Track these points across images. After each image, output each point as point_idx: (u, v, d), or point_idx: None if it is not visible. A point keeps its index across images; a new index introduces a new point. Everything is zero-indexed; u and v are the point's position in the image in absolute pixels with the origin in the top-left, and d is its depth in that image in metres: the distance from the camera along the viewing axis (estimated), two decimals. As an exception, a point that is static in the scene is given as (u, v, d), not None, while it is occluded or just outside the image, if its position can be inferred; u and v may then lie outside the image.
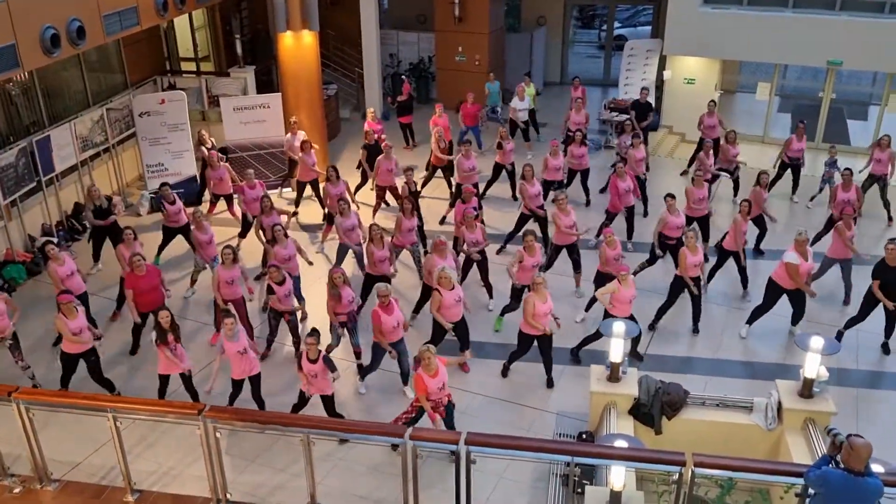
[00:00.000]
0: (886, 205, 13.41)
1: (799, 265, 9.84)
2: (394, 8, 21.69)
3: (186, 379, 8.79)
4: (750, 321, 10.47)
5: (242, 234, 12.60)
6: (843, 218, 10.77)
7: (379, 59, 18.42)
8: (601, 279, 10.20)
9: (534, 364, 9.60)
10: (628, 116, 15.54)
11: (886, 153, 12.98)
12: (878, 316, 10.13)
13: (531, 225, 12.01)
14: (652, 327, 10.49)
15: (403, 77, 18.02)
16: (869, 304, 9.98)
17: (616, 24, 23.05)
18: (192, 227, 11.12)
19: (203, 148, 13.71)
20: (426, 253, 11.51)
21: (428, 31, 19.78)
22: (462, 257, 10.99)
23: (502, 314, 10.66)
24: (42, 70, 12.40)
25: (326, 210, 12.82)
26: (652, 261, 11.40)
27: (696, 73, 17.13)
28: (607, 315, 9.33)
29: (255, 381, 8.75)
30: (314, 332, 8.28)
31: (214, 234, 11.21)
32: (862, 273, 10.60)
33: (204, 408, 6.68)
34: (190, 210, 11.62)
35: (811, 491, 5.86)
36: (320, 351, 8.26)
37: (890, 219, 13.41)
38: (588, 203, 14.08)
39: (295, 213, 13.85)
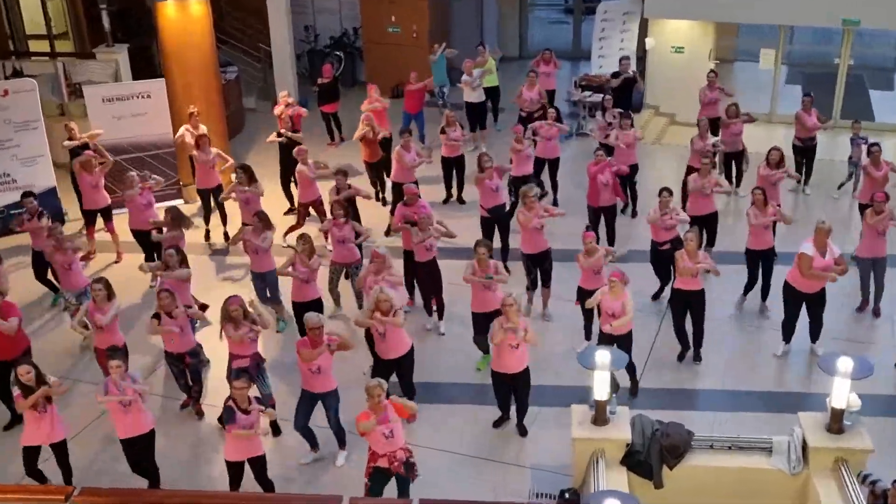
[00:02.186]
0: None
1: (813, 258, 10.05)
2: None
3: (59, 450, 8.56)
4: (785, 337, 10.69)
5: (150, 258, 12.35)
6: (874, 204, 10.94)
7: (290, 33, 18.36)
8: (583, 295, 10.34)
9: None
10: (606, 94, 15.20)
11: None
12: None
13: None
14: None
15: (338, 55, 18.00)
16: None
17: (586, -17, 23.46)
18: (51, 246, 10.80)
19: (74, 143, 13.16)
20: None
21: (352, -4, 19.83)
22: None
23: (485, 351, 10.47)
24: None
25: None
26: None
27: (685, 41, 17.45)
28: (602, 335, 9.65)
29: (144, 440, 8.57)
30: (241, 374, 8.27)
31: (78, 259, 10.97)
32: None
33: (72, 491, 6.57)
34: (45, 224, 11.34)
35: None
36: (250, 398, 8.21)
37: None
38: (555, 202, 14.17)
39: (208, 232, 13.70)
